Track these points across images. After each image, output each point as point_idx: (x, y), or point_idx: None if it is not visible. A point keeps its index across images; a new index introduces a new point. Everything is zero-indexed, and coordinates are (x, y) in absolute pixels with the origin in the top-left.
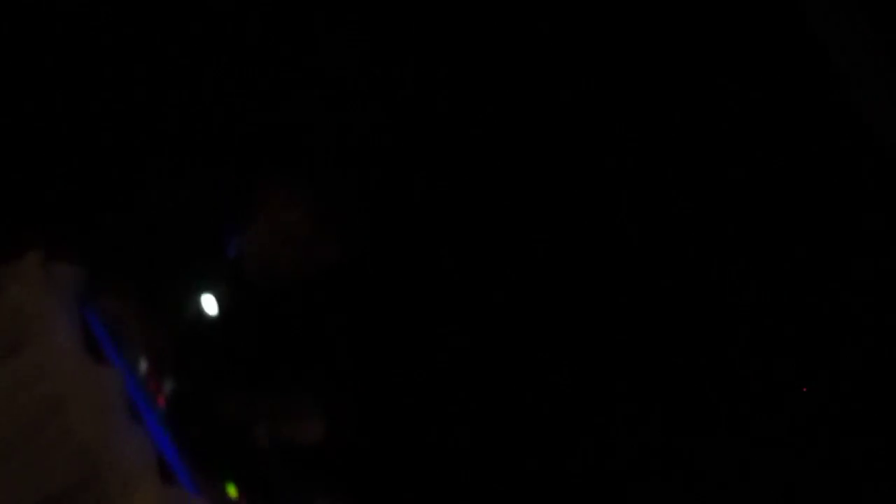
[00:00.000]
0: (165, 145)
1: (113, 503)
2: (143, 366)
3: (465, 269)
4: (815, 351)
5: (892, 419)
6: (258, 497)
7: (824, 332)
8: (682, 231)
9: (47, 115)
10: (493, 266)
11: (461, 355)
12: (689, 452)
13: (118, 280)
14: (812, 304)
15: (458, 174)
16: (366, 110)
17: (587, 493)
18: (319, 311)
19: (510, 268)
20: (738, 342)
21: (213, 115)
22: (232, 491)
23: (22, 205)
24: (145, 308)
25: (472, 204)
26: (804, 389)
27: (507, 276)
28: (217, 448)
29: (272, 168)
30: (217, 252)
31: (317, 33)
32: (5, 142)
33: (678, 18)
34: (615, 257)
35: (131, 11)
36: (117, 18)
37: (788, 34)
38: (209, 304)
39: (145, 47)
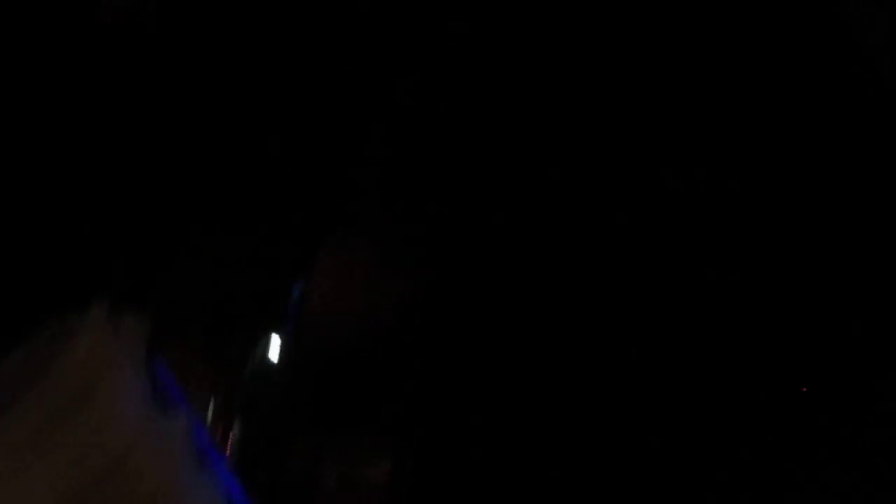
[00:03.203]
0: (226, 194)
1: None
2: (210, 413)
3: (534, 306)
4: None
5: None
6: None
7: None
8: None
9: (108, 166)
10: (566, 300)
11: (534, 395)
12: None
13: (183, 329)
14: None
15: (524, 208)
16: (425, 142)
17: None
18: (386, 351)
19: (584, 302)
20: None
21: (271, 164)
22: None
23: (86, 256)
24: (211, 355)
25: (544, 238)
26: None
27: (582, 309)
28: (288, 493)
29: (333, 212)
30: (280, 297)
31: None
32: (69, 193)
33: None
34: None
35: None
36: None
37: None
38: (274, 349)
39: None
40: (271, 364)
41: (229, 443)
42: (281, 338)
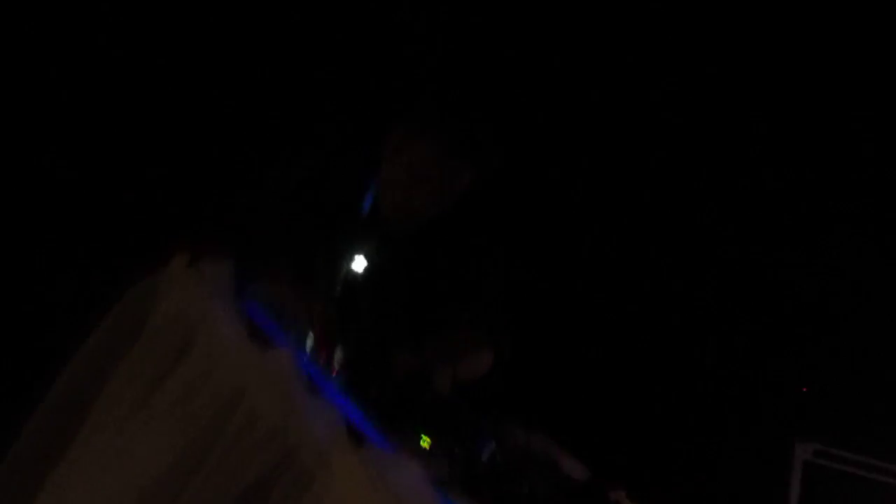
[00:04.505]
0: (283, 119)
1: (313, 478)
2: (310, 340)
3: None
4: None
5: None
6: (450, 440)
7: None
8: None
9: (168, 115)
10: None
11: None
12: None
13: (266, 263)
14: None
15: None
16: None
17: None
18: (464, 244)
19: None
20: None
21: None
22: (425, 441)
23: (157, 210)
24: (299, 284)
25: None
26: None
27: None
28: (399, 402)
29: (390, 116)
30: (353, 210)
31: None
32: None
33: None
34: None
35: None
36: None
37: None
38: (358, 263)
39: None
40: (359, 277)
41: (334, 365)
42: (362, 250)
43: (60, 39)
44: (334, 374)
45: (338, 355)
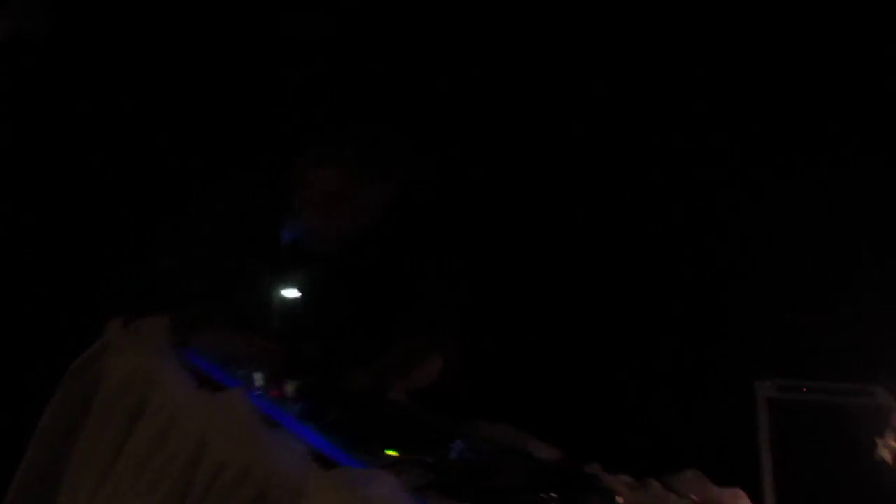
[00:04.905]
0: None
1: None
2: (259, 377)
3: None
4: None
5: None
6: (417, 448)
7: None
8: None
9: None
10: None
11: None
12: None
13: (200, 311)
14: None
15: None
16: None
17: None
18: (396, 255)
19: None
20: None
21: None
22: (392, 453)
23: (84, 281)
24: (236, 325)
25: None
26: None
27: None
28: (359, 421)
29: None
30: (275, 242)
31: None
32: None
33: None
34: None
35: None
36: None
37: None
38: (291, 293)
39: None
40: (295, 310)
41: (288, 397)
42: (291, 279)
43: None
44: (290, 406)
45: (289, 387)
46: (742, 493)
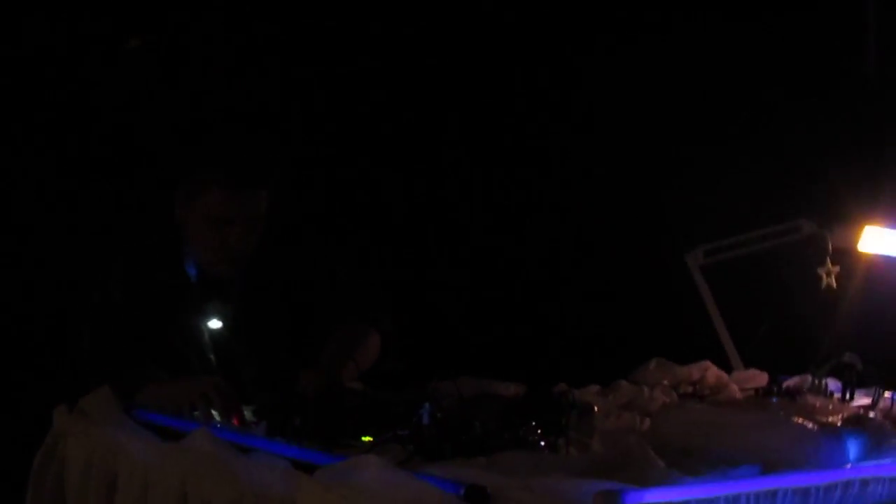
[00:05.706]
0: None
1: None
2: (214, 412)
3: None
4: None
5: None
6: (388, 426)
7: None
8: None
9: None
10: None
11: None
12: None
13: (135, 370)
14: None
15: None
16: None
17: None
18: (296, 251)
19: None
20: None
21: None
22: (366, 438)
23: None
24: (171, 371)
25: None
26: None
27: None
28: (324, 419)
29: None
30: (183, 279)
31: None
32: None
33: None
34: None
35: None
36: None
37: None
38: (214, 323)
39: None
40: (224, 337)
41: (248, 422)
42: (213, 314)
43: None
44: (255, 428)
45: (246, 411)
46: (710, 364)
